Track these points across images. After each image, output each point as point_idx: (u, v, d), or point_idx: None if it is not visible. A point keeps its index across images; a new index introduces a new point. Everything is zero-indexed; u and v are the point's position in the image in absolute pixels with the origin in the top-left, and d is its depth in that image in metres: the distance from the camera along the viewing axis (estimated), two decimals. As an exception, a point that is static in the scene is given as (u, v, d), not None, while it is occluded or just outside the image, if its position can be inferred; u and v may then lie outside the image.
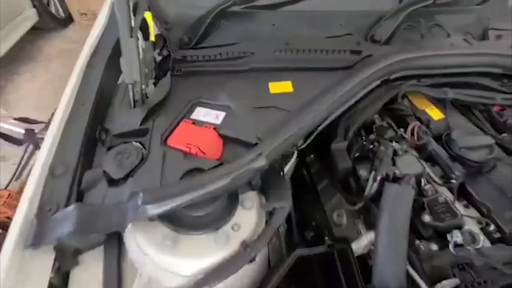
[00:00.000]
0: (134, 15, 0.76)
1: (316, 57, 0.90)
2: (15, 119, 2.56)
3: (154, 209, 0.54)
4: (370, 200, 0.71)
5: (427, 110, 0.86)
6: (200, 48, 0.94)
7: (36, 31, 3.25)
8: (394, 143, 0.77)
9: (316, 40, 0.93)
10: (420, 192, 0.68)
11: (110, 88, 0.86)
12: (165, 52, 1.01)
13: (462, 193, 0.72)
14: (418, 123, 0.80)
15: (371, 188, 0.69)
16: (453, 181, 0.69)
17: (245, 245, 0.57)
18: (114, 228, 0.57)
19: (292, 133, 0.68)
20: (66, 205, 0.60)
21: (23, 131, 2.30)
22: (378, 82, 0.85)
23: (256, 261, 0.58)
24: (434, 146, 0.76)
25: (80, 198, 0.63)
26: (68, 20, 3.48)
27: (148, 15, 0.80)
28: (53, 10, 3.30)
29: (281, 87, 0.83)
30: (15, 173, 2.04)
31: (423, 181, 0.70)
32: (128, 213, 0.56)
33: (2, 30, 2.76)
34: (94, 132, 0.75)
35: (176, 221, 0.58)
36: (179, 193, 0.55)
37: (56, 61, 3.20)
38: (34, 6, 3.03)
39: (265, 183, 0.70)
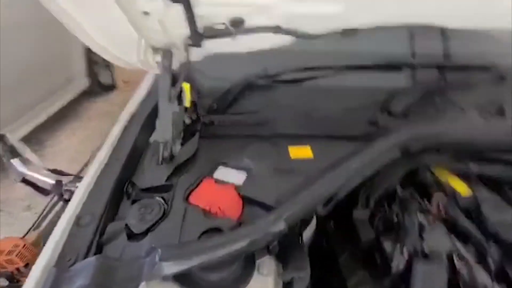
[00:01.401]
0: (173, 85, 0.88)
1: (334, 126, 0.95)
2: (47, 170, 2.73)
3: (171, 267, 0.53)
4: (397, 277, 0.65)
5: (451, 182, 0.83)
6: (227, 114, 1.03)
7: (83, 94, 3.69)
8: (419, 215, 0.74)
9: (335, 110, 1.00)
10: (452, 271, 0.62)
11: (142, 148, 0.94)
12: (193, 117, 1.11)
13: (500, 275, 0.64)
14: (443, 195, 0.78)
15: (398, 263, 0.64)
16: (489, 261, 0.63)
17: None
18: (129, 285, 0.55)
19: (312, 198, 0.68)
20: (86, 256, 0.61)
21: (52, 182, 2.42)
22: (398, 153, 0.86)
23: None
24: (463, 221, 0.72)
25: (99, 250, 0.63)
26: (112, 86, 3.98)
27: (186, 86, 0.92)
28: (101, 78, 3.82)
29: (301, 152, 0.87)
30: (35, 223, 2.08)
31: (455, 259, 0.64)
32: (144, 269, 0.55)
33: (57, 93, 3.19)
34: (122, 186, 0.79)
35: (191, 284, 0.56)
36: (197, 252, 0.54)
37: (96, 121, 3.54)
38: (88, 75, 3.54)
39: (283, 249, 0.68)
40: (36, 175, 2.51)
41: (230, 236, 0.59)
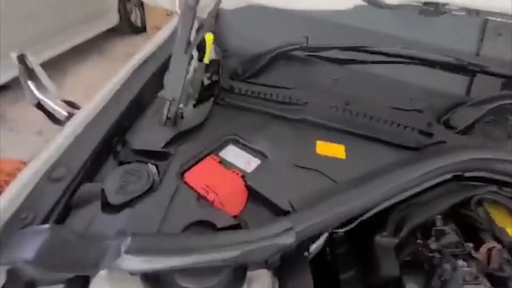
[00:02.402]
0: (196, 32, 0.72)
1: (377, 127, 0.78)
2: (62, 101, 2.72)
3: (136, 263, 0.41)
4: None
5: (509, 229, 0.66)
6: (251, 83, 0.87)
7: (111, 30, 3.58)
8: (461, 262, 0.58)
9: (381, 108, 0.81)
10: None
11: (147, 101, 0.80)
12: (214, 78, 0.96)
13: None
14: (497, 244, 0.61)
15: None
16: None
17: None
18: (84, 271, 0.44)
19: (334, 213, 0.53)
20: (47, 217, 0.50)
21: (66, 114, 2.40)
22: (449, 176, 0.69)
23: None
24: None
25: (65, 214, 0.52)
26: (141, 29, 3.83)
27: (209, 37, 0.75)
28: (132, 19, 3.67)
29: (331, 149, 0.70)
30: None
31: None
32: (107, 255, 0.43)
33: (85, 25, 3.08)
34: (112, 141, 0.66)
35: (161, 286, 0.44)
36: (175, 251, 0.42)
37: (119, 60, 3.45)
38: (119, 12, 3.39)
39: (283, 263, 0.55)
40: (52, 104, 2.49)
41: (223, 240, 0.46)
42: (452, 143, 0.75)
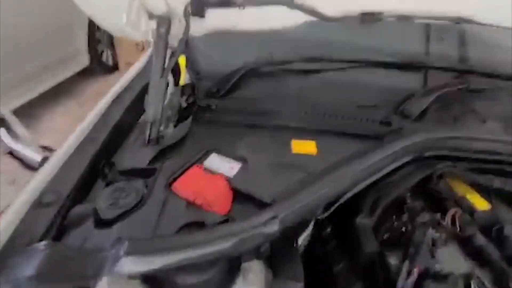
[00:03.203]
0: (170, 58, 0.79)
1: (343, 123, 0.86)
2: (40, 146, 2.66)
3: (137, 264, 0.44)
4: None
5: (468, 196, 0.75)
6: (226, 99, 0.94)
7: (81, 72, 3.59)
8: (431, 230, 0.65)
9: (344, 107, 0.91)
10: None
11: (129, 127, 0.84)
12: (191, 100, 1.02)
13: None
14: (459, 210, 0.69)
15: (405, 283, 0.55)
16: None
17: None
18: (85, 281, 0.46)
19: (312, 198, 0.59)
20: (42, 240, 0.51)
21: (39, 158, 2.34)
22: (409, 157, 0.78)
23: None
24: (482, 241, 0.63)
25: (59, 236, 0.54)
26: (114, 68, 3.88)
27: (182, 60, 0.83)
28: (104, 59, 3.71)
29: (304, 146, 0.78)
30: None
31: (472, 285, 0.55)
32: (107, 263, 0.45)
33: (55, 69, 3.09)
34: (99, 165, 0.70)
35: (161, 286, 0.47)
36: (171, 249, 0.45)
37: (93, 101, 3.43)
38: (89, 53, 3.43)
39: (275, 253, 0.59)
40: (23, 150, 2.43)
41: (214, 233, 0.50)
42: (408, 130, 0.85)
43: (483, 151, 0.80)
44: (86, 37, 3.33)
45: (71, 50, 3.26)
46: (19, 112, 2.71)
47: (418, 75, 1.05)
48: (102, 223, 0.55)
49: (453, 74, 1.05)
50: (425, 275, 0.56)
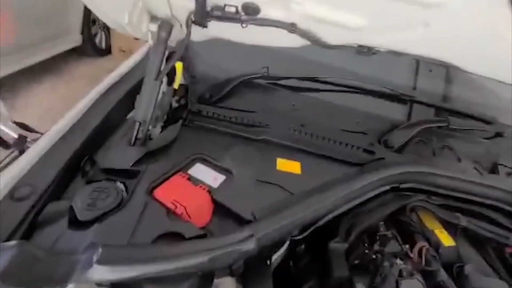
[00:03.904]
0: (166, 62, 0.78)
1: (328, 146, 0.89)
2: (14, 122, 2.53)
3: (108, 273, 0.43)
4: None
5: (436, 231, 0.79)
6: (217, 107, 0.95)
7: (73, 52, 3.48)
8: (398, 261, 0.68)
9: (332, 130, 0.94)
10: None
11: (116, 122, 0.83)
12: (182, 101, 1.02)
13: None
14: (426, 244, 0.73)
15: (368, 311, 0.58)
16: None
17: None
18: (52, 285, 0.45)
19: (291, 220, 0.60)
20: (11, 237, 0.50)
21: (15, 136, 2.24)
22: (387, 187, 0.81)
23: None
24: (443, 277, 0.67)
25: (29, 233, 0.52)
26: (106, 51, 3.77)
27: (179, 65, 0.82)
28: (97, 41, 3.61)
29: (289, 166, 0.79)
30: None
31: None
32: (76, 269, 0.45)
33: (45, 44, 2.97)
34: (80, 161, 0.68)
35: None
36: (145, 260, 0.45)
37: (80, 83, 3.33)
38: (82, 33, 3.32)
39: (248, 270, 0.60)
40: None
41: (191, 247, 0.50)
42: (389, 160, 0.88)
43: (455, 189, 0.84)
44: (81, 16, 3.23)
45: (64, 27, 3.15)
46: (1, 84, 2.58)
47: (404, 107, 1.10)
48: (77, 224, 0.54)
49: (436, 110, 1.10)
50: (387, 305, 0.59)
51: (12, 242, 0.46)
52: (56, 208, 0.56)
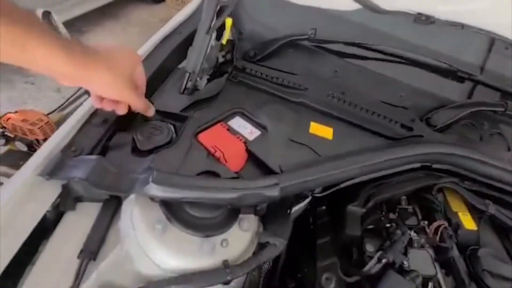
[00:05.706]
0: (217, 16, 0.82)
1: (365, 116, 0.89)
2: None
3: (159, 191, 0.54)
4: (366, 278, 0.66)
5: (460, 214, 0.79)
6: (261, 66, 0.98)
7: (130, -1, 3.60)
8: (412, 232, 0.72)
9: (371, 101, 0.92)
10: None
11: (170, 69, 0.91)
12: (228, 57, 1.06)
13: None
14: (445, 223, 0.75)
15: (372, 267, 0.64)
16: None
17: (226, 264, 0.55)
18: (120, 192, 0.58)
19: (315, 178, 0.66)
20: (90, 153, 0.63)
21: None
22: (418, 164, 0.81)
23: (230, 286, 0.56)
24: (455, 254, 0.70)
25: (103, 152, 0.66)
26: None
27: (228, 22, 0.86)
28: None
29: (321, 130, 0.83)
30: (60, 106, 2.22)
31: (430, 286, 0.63)
32: (136, 184, 0.57)
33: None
34: None
35: (174, 211, 0.58)
36: (189, 187, 0.56)
37: (135, 27, 3.50)
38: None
39: (269, 213, 0.69)
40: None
41: (224, 184, 0.59)
42: (428, 138, 0.86)
43: (490, 177, 0.81)
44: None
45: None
46: (65, 26, 2.83)
47: (463, 86, 1.00)
48: (137, 152, 0.66)
49: (501, 95, 1.00)
50: (391, 266, 0.64)
51: (93, 156, 0.59)
52: (121, 138, 0.68)
